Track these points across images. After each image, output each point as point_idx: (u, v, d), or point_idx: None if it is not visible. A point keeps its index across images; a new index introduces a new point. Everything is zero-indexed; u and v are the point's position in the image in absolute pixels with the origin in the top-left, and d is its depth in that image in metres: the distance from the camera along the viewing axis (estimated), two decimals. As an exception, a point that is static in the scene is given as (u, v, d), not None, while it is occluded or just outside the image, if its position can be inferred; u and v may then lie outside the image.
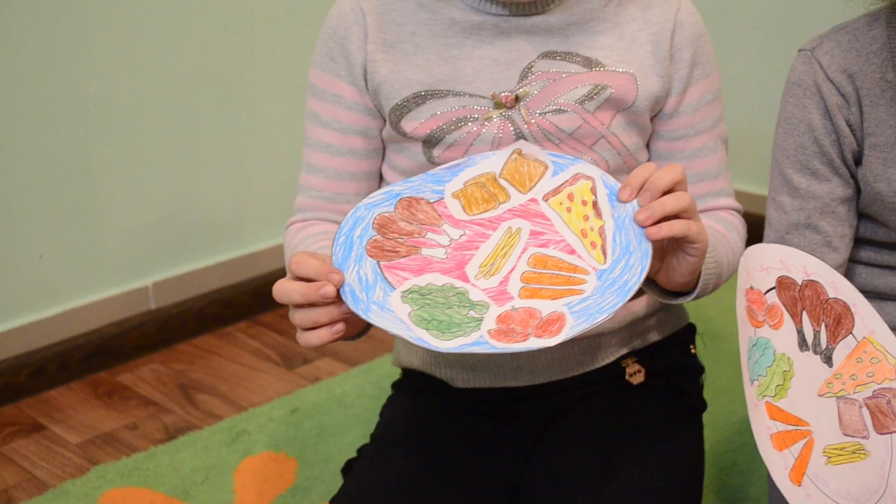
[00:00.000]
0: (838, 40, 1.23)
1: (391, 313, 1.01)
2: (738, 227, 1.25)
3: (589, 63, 1.18)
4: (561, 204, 1.09)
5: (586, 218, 1.07)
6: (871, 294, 1.26)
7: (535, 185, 1.10)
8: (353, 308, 0.98)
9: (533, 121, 1.15)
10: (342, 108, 1.22)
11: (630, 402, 1.26)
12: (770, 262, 1.14)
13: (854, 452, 1.09)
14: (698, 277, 1.11)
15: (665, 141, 1.23)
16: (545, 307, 1.02)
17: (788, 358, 1.12)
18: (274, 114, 2.14)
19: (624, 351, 1.26)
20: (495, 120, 1.15)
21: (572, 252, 1.06)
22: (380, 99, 1.19)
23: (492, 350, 0.98)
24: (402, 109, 1.18)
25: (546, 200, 1.10)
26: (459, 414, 1.26)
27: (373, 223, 1.08)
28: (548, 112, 1.16)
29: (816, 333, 1.13)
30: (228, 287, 2.14)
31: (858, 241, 1.28)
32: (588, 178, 1.08)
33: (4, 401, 1.81)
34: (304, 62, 1.31)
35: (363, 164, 1.21)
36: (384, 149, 1.23)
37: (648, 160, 1.24)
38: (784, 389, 1.11)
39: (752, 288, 1.13)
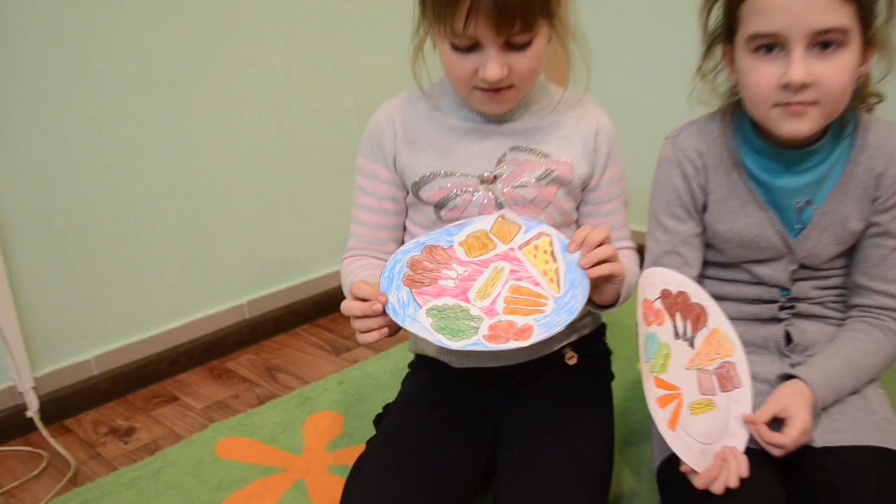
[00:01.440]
0: (691, 130, 1.25)
1: (419, 323, 1.06)
2: (636, 259, 1.29)
3: (542, 154, 1.22)
4: (530, 252, 1.14)
5: (547, 262, 1.13)
6: (714, 298, 1.25)
7: (513, 239, 1.15)
8: (394, 319, 1.05)
9: (505, 191, 1.19)
10: (379, 182, 1.26)
11: (568, 376, 1.30)
12: (656, 280, 1.17)
13: (708, 405, 1.13)
14: (618, 296, 1.18)
15: (589, 205, 1.28)
16: (520, 320, 1.07)
17: (668, 345, 1.14)
18: (327, 186, 2.13)
19: (564, 343, 1.31)
20: (481, 192, 1.20)
21: (538, 285, 1.12)
22: (404, 178, 1.24)
23: (485, 348, 1.04)
24: (420, 184, 1.22)
25: (520, 249, 1.15)
26: (457, 384, 1.30)
27: (406, 262, 1.12)
28: (515, 186, 1.20)
29: (685, 327, 1.16)
30: (296, 302, 2.14)
31: (705, 263, 1.29)
32: (548, 235, 1.14)
33: (152, 381, 1.86)
34: (350, 148, 1.38)
35: (393, 220, 1.25)
36: (407, 209, 1.27)
37: (578, 218, 1.29)
38: (665, 367, 1.13)
39: (646, 299, 1.15)
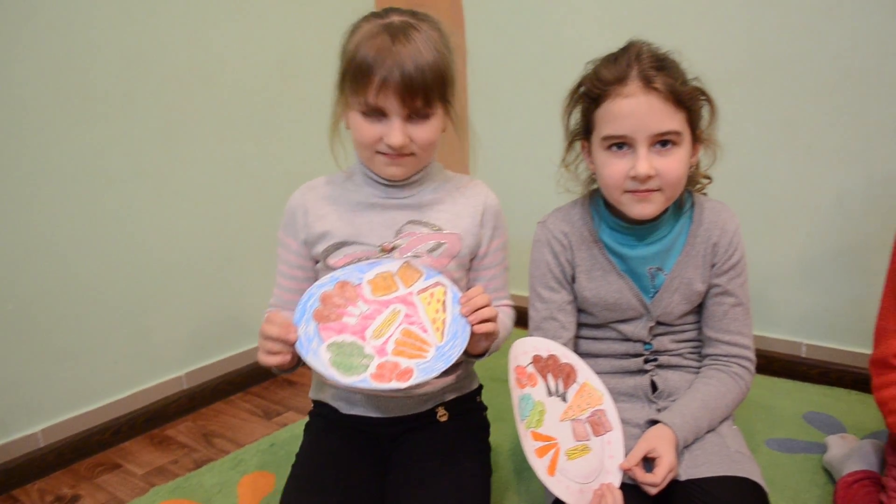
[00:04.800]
0: (557, 214, 1.33)
1: (319, 358, 1.07)
2: (511, 315, 1.33)
3: (435, 227, 1.25)
4: (426, 299, 1.15)
5: (437, 311, 1.14)
6: (587, 353, 1.34)
7: (414, 284, 1.16)
8: (299, 351, 1.07)
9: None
10: (291, 253, 1.29)
11: (439, 432, 1.31)
12: (527, 348, 1.21)
13: (583, 450, 1.16)
14: (487, 350, 1.23)
15: (476, 271, 1.31)
16: (404, 363, 1.08)
17: (542, 402, 1.18)
18: (257, 267, 2.12)
19: (437, 402, 1.32)
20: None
21: (425, 331, 1.13)
22: (315, 248, 1.26)
23: (369, 386, 1.05)
24: (328, 252, 1.24)
25: (418, 295, 1.16)
26: (345, 430, 1.31)
27: (319, 297, 1.13)
28: (410, 257, 1.22)
29: (556, 384, 1.20)
30: (231, 371, 2.13)
31: (580, 325, 1.35)
32: (444, 286, 1.17)
33: (97, 451, 1.83)
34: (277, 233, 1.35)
35: (303, 285, 1.23)
36: (318, 276, 1.26)
37: (467, 282, 1.31)
38: (540, 422, 1.16)
39: (518, 366, 1.19)
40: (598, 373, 1.27)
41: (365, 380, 1.06)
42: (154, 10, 1.86)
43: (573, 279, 1.33)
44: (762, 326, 2.06)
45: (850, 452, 1.46)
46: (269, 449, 1.78)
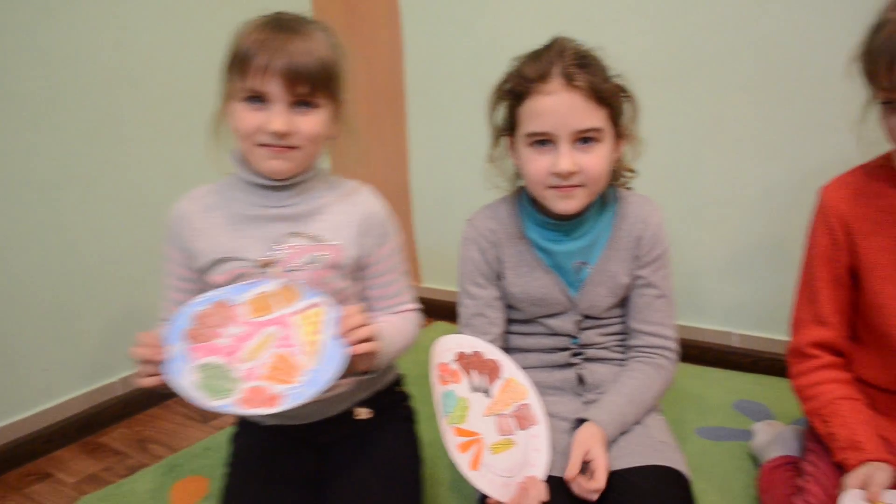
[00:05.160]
0: (484, 212, 1.34)
1: (185, 379, 1.03)
2: (414, 320, 1.30)
3: (315, 238, 1.21)
4: (303, 319, 1.12)
5: (314, 333, 1.11)
6: (517, 349, 1.34)
7: (291, 305, 1.13)
8: (164, 371, 1.03)
9: (282, 275, 1.18)
10: (174, 264, 1.26)
11: (362, 428, 1.31)
12: (451, 345, 1.22)
13: (507, 444, 1.17)
14: (371, 366, 1.18)
15: (370, 279, 1.29)
16: (274, 388, 1.06)
17: (465, 399, 1.18)
18: None
19: (352, 402, 1.31)
20: (262, 275, 1.18)
21: (299, 355, 1.09)
22: (195, 262, 1.22)
23: (234, 411, 1.03)
24: (207, 269, 1.22)
25: (295, 316, 1.12)
26: (270, 439, 1.30)
27: (194, 316, 1.09)
28: (290, 270, 1.19)
29: (481, 381, 1.21)
30: None
31: (509, 321, 1.35)
32: (322, 306, 1.13)
33: (27, 460, 1.80)
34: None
35: (186, 297, 1.17)
36: (199, 287, 1.22)
37: (364, 290, 1.29)
38: (463, 417, 1.16)
39: (441, 363, 1.19)
40: (527, 367, 1.28)
41: (229, 405, 1.03)
42: (77, 11, 1.83)
43: (501, 276, 1.33)
44: (694, 317, 2.10)
45: (773, 439, 1.49)
46: (204, 453, 1.77)
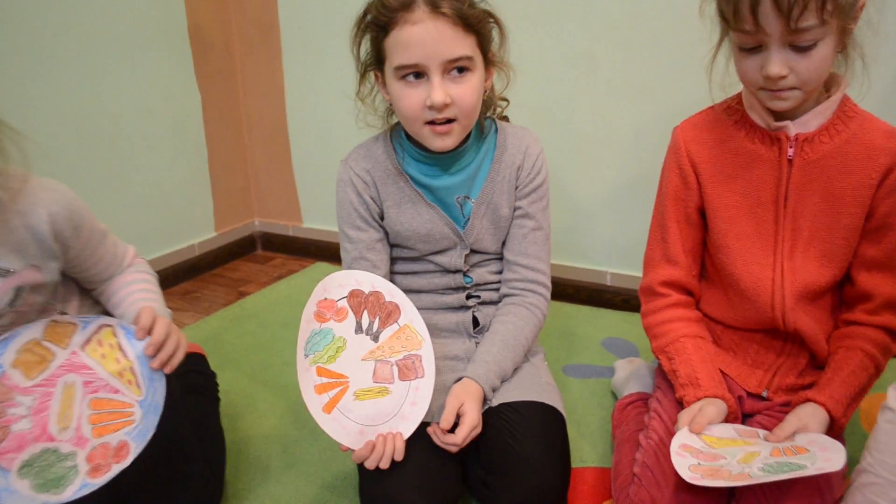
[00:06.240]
0: (359, 152, 1.29)
1: (17, 493, 0.88)
2: (145, 266, 1.22)
3: (5, 272, 0.99)
4: (95, 350, 0.98)
5: (118, 360, 0.99)
6: (408, 290, 1.29)
7: (71, 340, 0.98)
8: None
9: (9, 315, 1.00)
10: None
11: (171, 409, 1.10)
12: (345, 281, 1.17)
13: (379, 392, 1.13)
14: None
15: (82, 270, 1.12)
16: (113, 439, 0.94)
17: (344, 339, 1.14)
18: None
19: None
20: None
21: (117, 391, 0.98)
22: None
23: (95, 487, 0.90)
24: None
25: (84, 350, 0.98)
26: None
27: None
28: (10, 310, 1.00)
29: (371, 323, 1.17)
30: None
31: (397, 260, 1.33)
32: (109, 325, 1.01)
33: None
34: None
35: None
36: None
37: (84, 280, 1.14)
38: (334, 359, 1.12)
39: (325, 299, 1.14)
40: (421, 308, 1.24)
41: (85, 483, 0.90)
42: None
43: (382, 216, 1.31)
44: (571, 257, 2.12)
45: (629, 375, 1.52)
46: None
